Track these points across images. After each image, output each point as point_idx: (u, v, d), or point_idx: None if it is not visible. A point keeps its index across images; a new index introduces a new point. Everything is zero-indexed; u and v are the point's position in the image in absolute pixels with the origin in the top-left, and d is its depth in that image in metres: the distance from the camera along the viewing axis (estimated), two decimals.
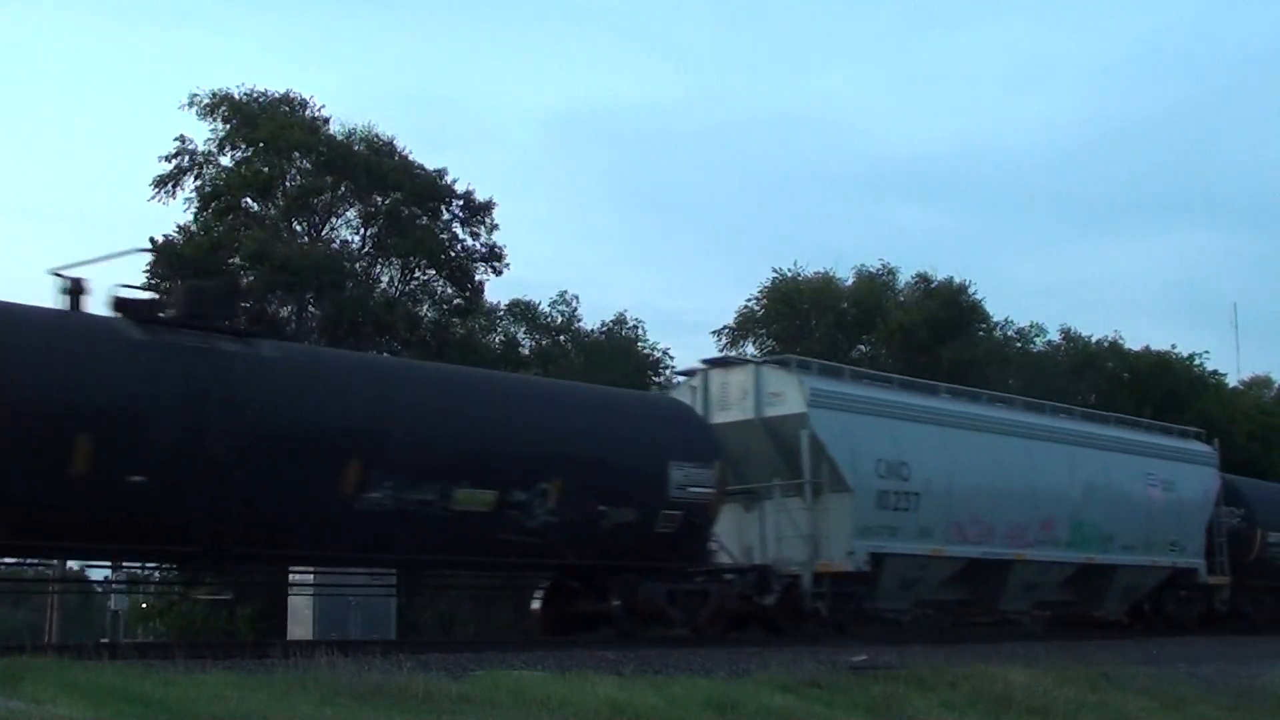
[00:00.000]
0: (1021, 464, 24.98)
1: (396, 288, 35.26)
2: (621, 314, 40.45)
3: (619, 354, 38.45)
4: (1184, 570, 28.92)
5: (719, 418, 21.70)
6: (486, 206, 35.59)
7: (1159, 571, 28.33)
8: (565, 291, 40.00)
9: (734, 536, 21.80)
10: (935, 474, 22.96)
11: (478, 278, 35.91)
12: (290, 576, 21.36)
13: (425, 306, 35.61)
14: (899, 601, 23.09)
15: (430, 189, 35.11)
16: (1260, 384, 50.61)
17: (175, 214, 34.64)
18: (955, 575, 23.79)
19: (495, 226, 35.78)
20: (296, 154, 34.01)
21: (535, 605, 20.20)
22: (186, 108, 33.68)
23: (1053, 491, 25.54)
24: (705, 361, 23.06)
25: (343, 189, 34.66)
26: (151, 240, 32.11)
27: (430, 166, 35.50)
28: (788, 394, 21.46)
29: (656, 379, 38.74)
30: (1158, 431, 30.27)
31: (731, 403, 21.90)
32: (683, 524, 19.17)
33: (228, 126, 33.90)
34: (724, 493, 20.44)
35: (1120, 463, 27.51)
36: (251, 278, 32.29)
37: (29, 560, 16.40)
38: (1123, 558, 27.01)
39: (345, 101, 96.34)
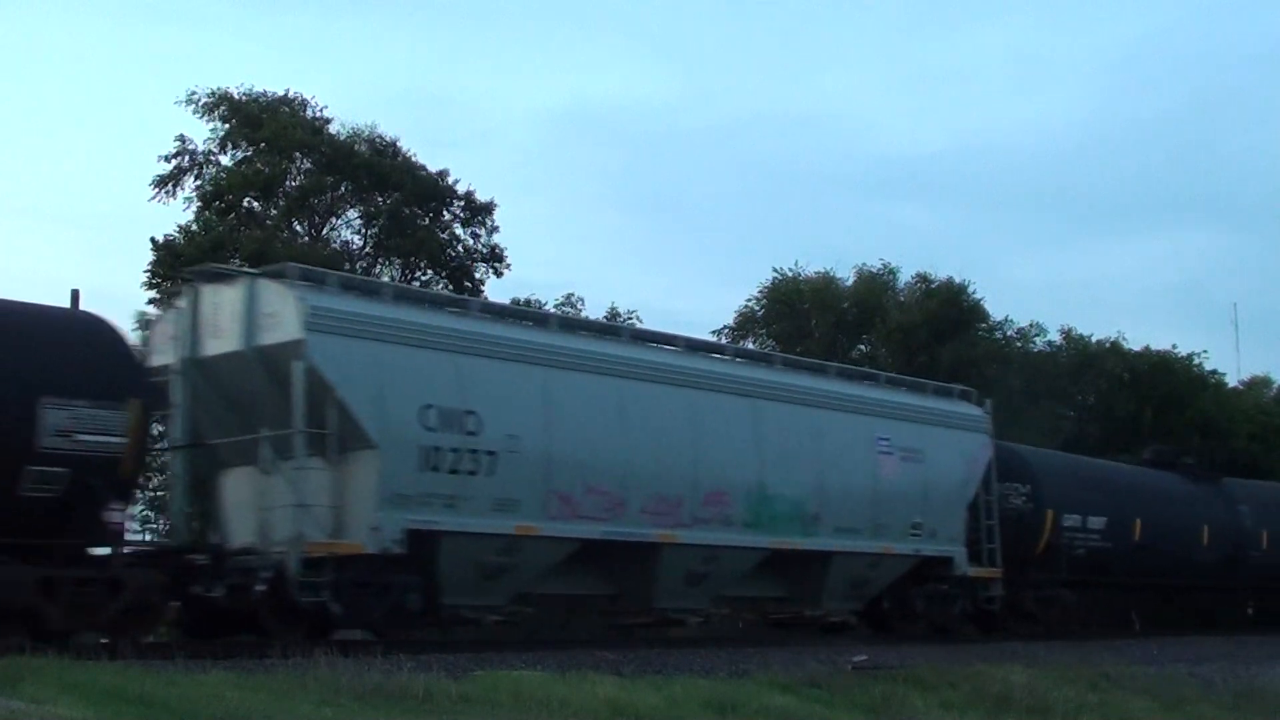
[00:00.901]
0: (674, 420, 19.46)
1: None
2: (614, 309, 40.40)
3: None
4: (935, 560, 23.25)
5: (211, 348, 16.81)
6: (487, 207, 35.59)
7: (896, 561, 22.64)
8: (571, 294, 39.95)
9: (247, 508, 16.86)
10: (525, 428, 17.63)
11: (478, 278, 35.90)
12: None
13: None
14: (484, 596, 18.10)
15: (431, 189, 35.09)
16: (1260, 384, 50.55)
17: (175, 214, 34.64)
18: (572, 561, 18.51)
19: (496, 228, 35.80)
20: (298, 154, 33.99)
21: None
22: (184, 105, 33.64)
23: (724, 456, 19.89)
24: (191, 273, 18.10)
25: (344, 189, 34.65)
26: (152, 240, 32.09)
27: (432, 167, 35.51)
28: (283, 315, 16.25)
29: None
30: (905, 388, 24.20)
31: (223, 328, 16.80)
32: (71, 487, 14.16)
33: (227, 126, 33.88)
34: (148, 445, 16.30)
35: (838, 424, 21.77)
36: None
37: None
38: (835, 543, 21.25)
39: (345, 101, 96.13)
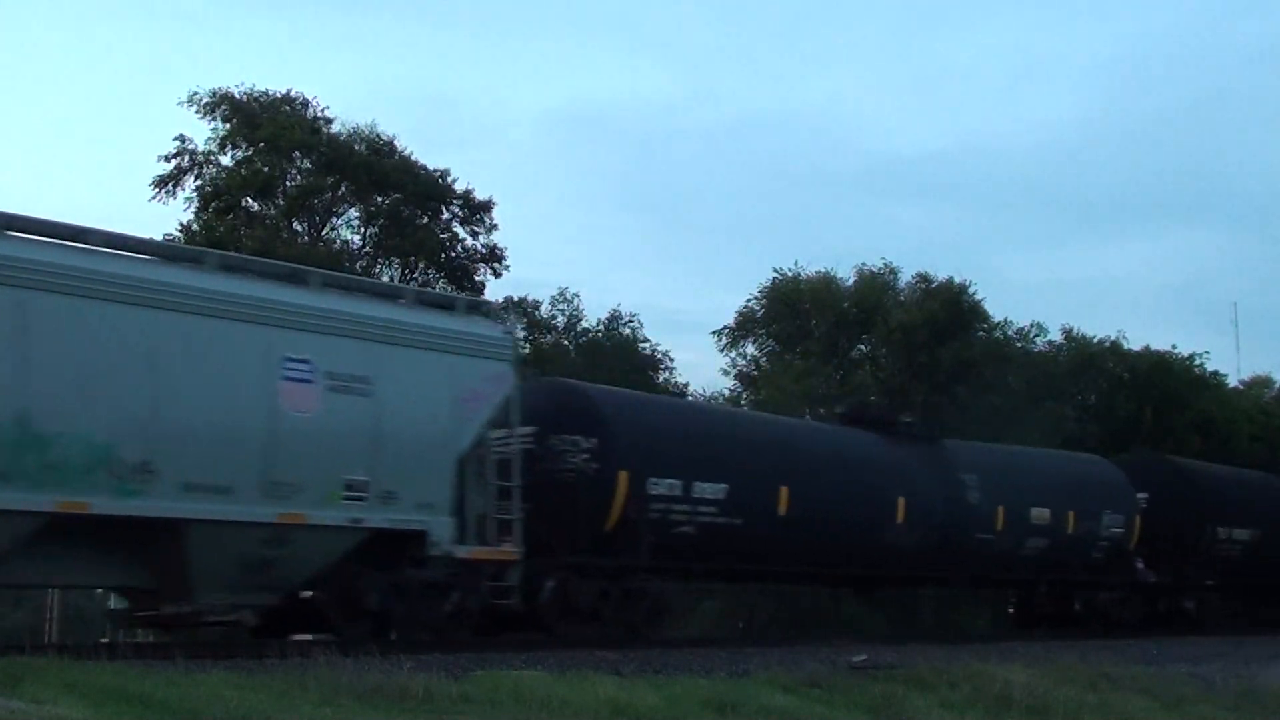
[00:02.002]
0: None
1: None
2: (616, 310, 40.42)
3: (619, 353, 38.42)
4: (404, 535, 16.60)
5: None
6: (486, 206, 35.59)
7: (321, 537, 15.92)
8: (565, 289, 39.93)
9: None
10: None
11: (477, 278, 35.91)
12: None
13: None
14: None
15: (431, 189, 35.10)
16: (1261, 384, 50.55)
17: (176, 214, 34.64)
18: None
19: (495, 226, 35.80)
20: (297, 154, 34.00)
21: None
22: (185, 105, 33.68)
23: None
24: None
25: (343, 189, 34.66)
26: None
27: (432, 166, 35.53)
28: None
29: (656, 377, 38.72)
30: (362, 293, 17.74)
31: None
32: None
33: (228, 126, 33.90)
34: None
35: (198, 335, 15.12)
36: None
37: None
38: (184, 507, 14.73)
39: (346, 101, 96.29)
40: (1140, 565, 29.00)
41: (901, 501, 23.80)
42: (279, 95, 34.65)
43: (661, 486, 19.88)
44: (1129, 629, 27.49)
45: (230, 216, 33.56)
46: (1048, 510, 26.65)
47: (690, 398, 38.03)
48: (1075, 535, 27.23)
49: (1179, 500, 29.46)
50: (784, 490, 21.72)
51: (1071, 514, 27.15)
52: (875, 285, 41.75)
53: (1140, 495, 28.97)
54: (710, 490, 20.60)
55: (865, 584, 26.15)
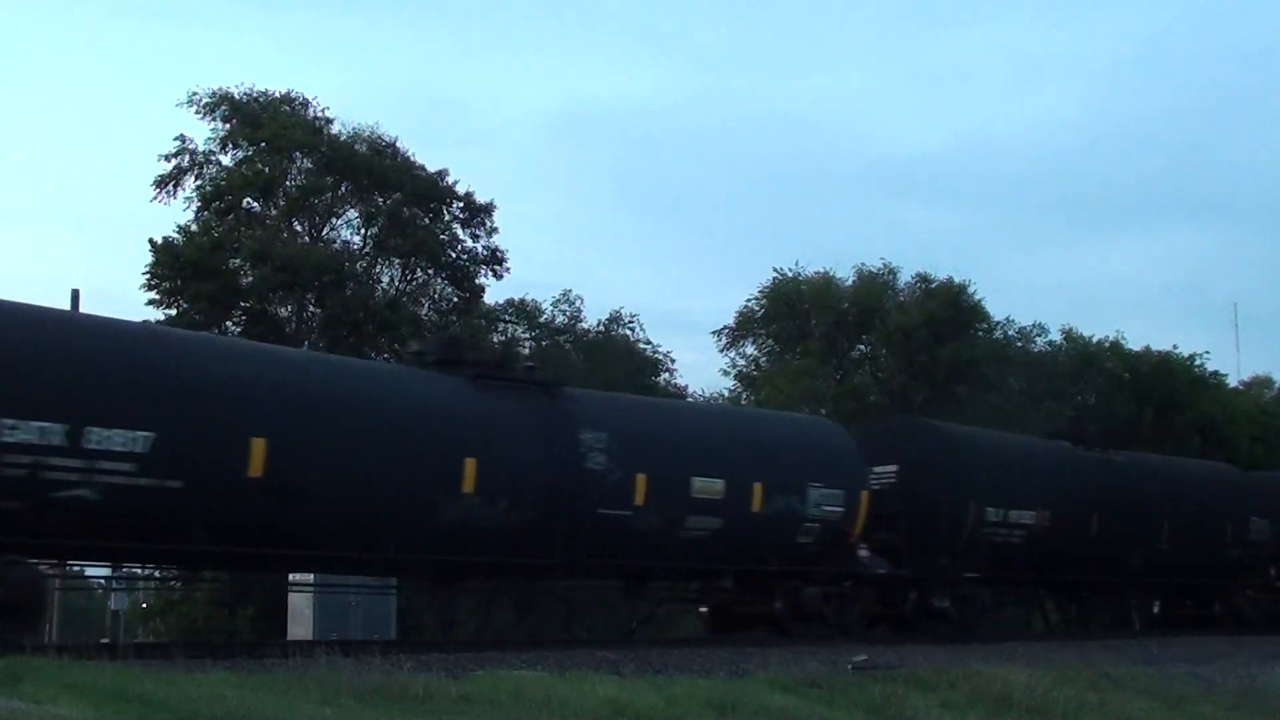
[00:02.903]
0: None
1: (397, 288, 35.28)
2: (618, 311, 40.48)
3: (621, 354, 38.45)
4: None
5: None
6: (487, 209, 35.59)
7: None
8: (569, 291, 39.97)
9: None
10: None
11: (478, 280, 35.92)
12: (290, 576, 21.30)
13: (425, 308, 35.62)
14: None
15: (431, 190, 35.10)
16: (1261, 384, 50.53)
17: (176, 214, 34.67)
18: None
19: (495, 229, 35.80)
20: (297, 154, 34.01)
21: None
22: (185, 106, 33.69)
23: None
24: None
25: (344, 189, 34.66)
26: (151, 241, 32.11)
27: (431, 167, 35.53)
28: None
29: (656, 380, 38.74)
30: None
31: None
32: None
33: (228, 126, 33.91)
34: None
35: None
36: (252, 278, 32.31)
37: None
38: None
39: (347, 101, 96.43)
40: (865, 553, 22.74)
41: (471, 464, 17.92)
42: (279, 96, 34.68)
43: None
44: (853, 631, 21.99)
45: (230, 217, 33.59)
46: (720, 482, 20.54)
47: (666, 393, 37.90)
48: (765, 515, 21.02)
49: (937, 474, 23.71)
50: (260, 446, 15.93)
51: (758, 487, 20.95)
52: (875, 285, 41.76)
53: (887, 468, 23.68)
54: (115, 440, 14.79)
55: (417, 571, 20.08)
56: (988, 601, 25.09)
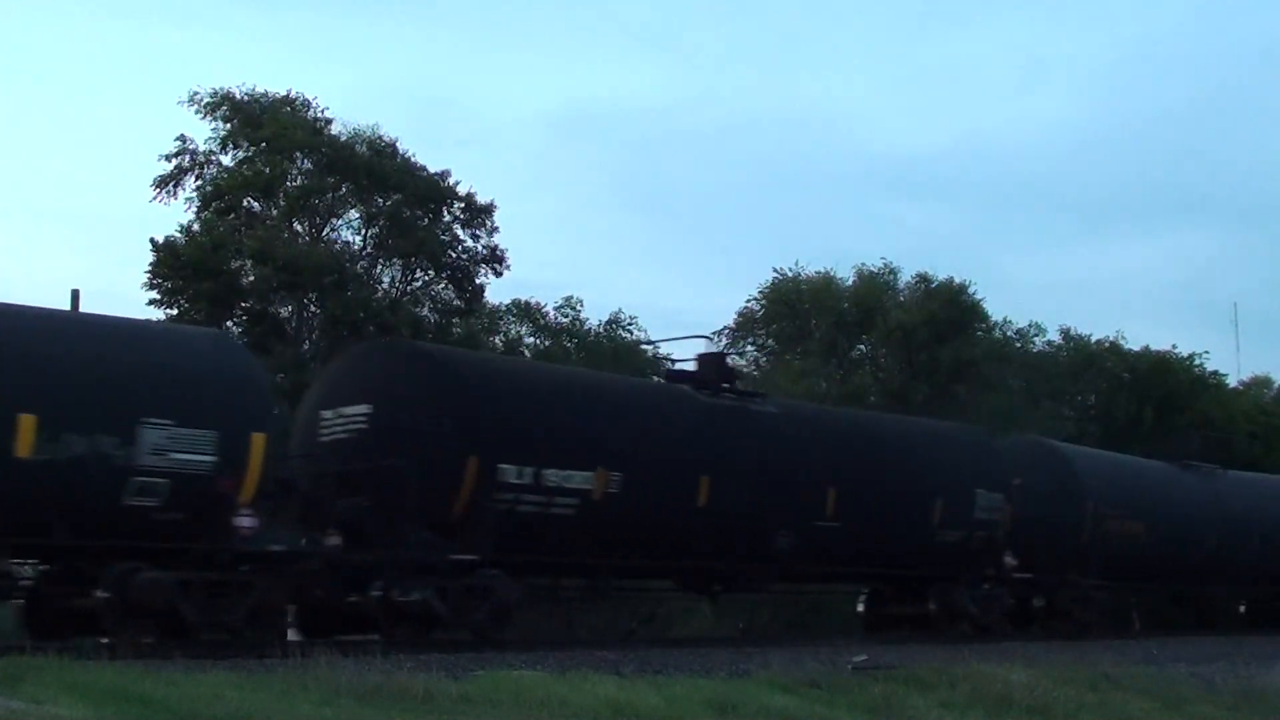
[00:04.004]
0: None
1: (398, 289, 35.30)
2: (617, 312, 40.50)
3: (622, 354, 38.45)
4: None
5: None
6: (487, 209, 35.60)
7: None
8: (571, 296, 40.03)
9: None
10: None
11: (478, 280, 35.93)
12: None
13: (425, 308, 35.64)
14: None
15: (432, 190, 35.11)
16: (1260, 384, 50.50)
17: (176, 214, 34.66)
18: None
19: (496, 229, 35.81)
20: (298, 154, 34.02)
21: None
22: (186, 106, 33.70)
23: None
24: None
25: (344, 190, 34.67)
26: (152, 241, 32.12)
27: (433, 168, 35.53)
28: None
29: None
30: None
31: None
32: None
33: (229, 126, 33.92)
34: None
35: None
36: (253, 278, 32.33)
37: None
38: None
39: (347, 101, 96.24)
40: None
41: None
42: (280, 96, 34.68)
43: None
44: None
45: (231, 217, 33.59)
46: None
47: None
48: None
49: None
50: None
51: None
52: (875, 285, 41.76)
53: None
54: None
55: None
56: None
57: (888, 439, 23.97)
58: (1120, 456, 30.62)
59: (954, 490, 23.73)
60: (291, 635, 16.80)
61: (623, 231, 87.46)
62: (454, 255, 35.57)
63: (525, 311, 39.73)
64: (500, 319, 39.11)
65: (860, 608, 24.92)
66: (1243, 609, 34.09)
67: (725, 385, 21.66)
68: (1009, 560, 24.54)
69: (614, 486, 18.54)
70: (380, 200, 34.87)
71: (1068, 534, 25.94)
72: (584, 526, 18.33)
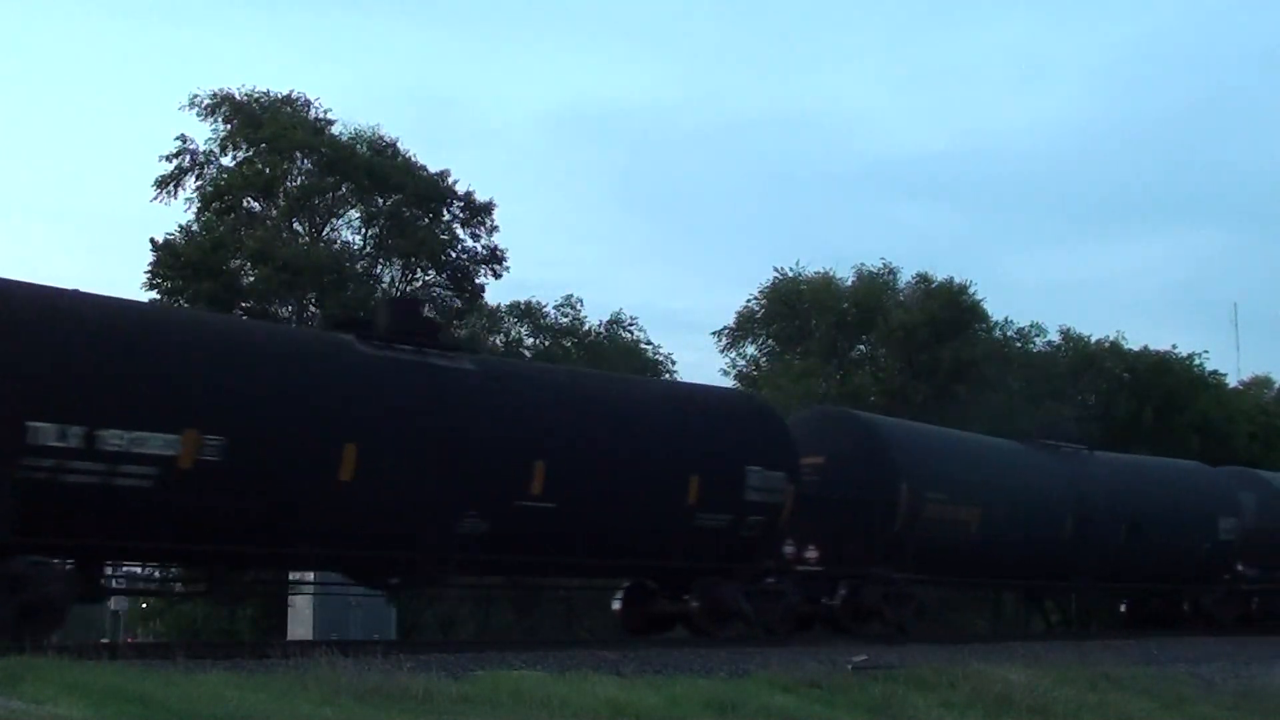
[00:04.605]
0: None
1: (397, 288, 35.31)
2: (618, 312, 40.55)
3: (622, 355, 38.48)
4: None
5: None
6: (486, 207, 35.62)
7: None
8: (570, 295, 40.07)
9: None
10: None
11: (478, 280, 35.95)
12: (290, 576, 21.32)
13: (425, 308, 35.64)
14: None
15: (432, 190, 35.13)
16: (1260, 384, 50.53)
17: (177, 214, 34.67)
18: None
19: (495, 228, 35.83)
20: (298, 154, 34.05)
21: None
22: (186, 107, 33.74)
23: None
24: None
25: (344, 189, 34.69)
26: (152, 240, 32.14)
27: (433, 168, 35.56)
28: None
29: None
30: None
31: None
32: None
33: (229, 127, 33.94)
34: None
35: None
36: (253, 278, 32.33)
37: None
38: None
39: (347, 101, 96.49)
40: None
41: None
42: (280, 96, 34.71)
43: None
44: None
45: (231, 217, 33.61)
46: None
47: None
48: None
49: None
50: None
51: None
52: (875, 285, 41.79)
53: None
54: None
55: None
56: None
57: (624, 403, 19.50)
58: (951, 432, 26.40)
59: (716, 466, 19.44)
60: None
61: (623, 231, 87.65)
62: (454, 255, 35.60)
63: (525, 312, 39.79)
64: (501, 320, 39.16)
65: (616, 605, 20.89)
66: (1123, 609, 31.00)
67: (415, 336, 17.43)
68: (789, 549, 20.89)
69: (211, 453, 14.60)
70: (380, 200, 34.89)
71: (877, 520, 21.93)
72: (167, 503, 14.48)
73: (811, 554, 21.41)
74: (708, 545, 19.58)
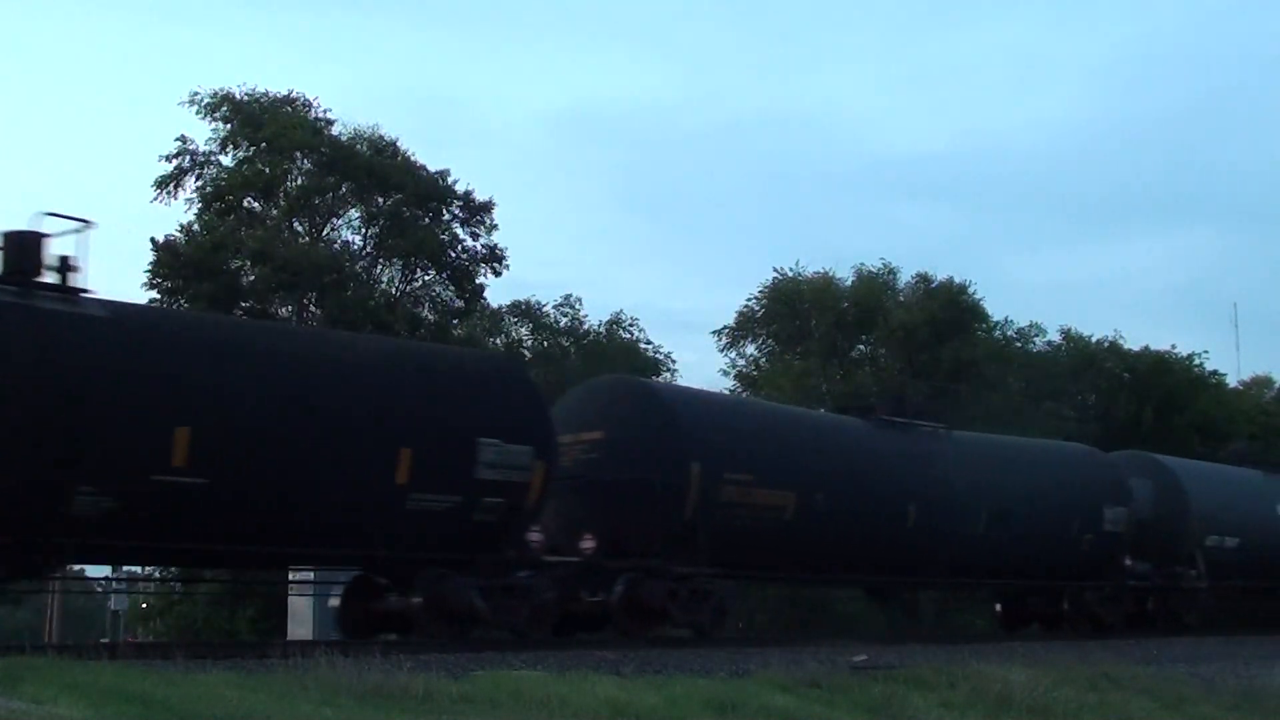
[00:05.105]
0: None
1: (397, 288, 35.33)
2: (618, 313, 40.56)
3: (621, 355, 38.49)
4: None
5: None
6: (486, 206, 35.63)
7: None
8: (570, 294, 40.10)
9: None
10: None
11: (478, 279, 35.95)
12: (290, 576, 21.32)
13: (425, 308, 35.67)
14: None
15: (432, 190, 35.14)
16: (1260, 384, 50.54)
17: (177, 214, 34.69)
18: None
19: (495, 226, 35.85)
20: (298, 154, 34.06)
21: None
22: (186, 107, 33.76)
23: None
24: None
25: (344, 189, 34.71)
26: (152, 240, 32.16)
27: (433, 167, 35.58)
28: None
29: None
30: None
31: None
32: None
33: (229, 127, 33.95)
34: None
35: None
36: (253, 278, 32.36)
37: None
38: None
39: (347, 101, 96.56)
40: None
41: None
42: (280, 96, 34.71)
43: None
44: None
45: (231, 217, 33.63)
46: None
47: None
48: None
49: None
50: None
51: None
52: (875, 285, 41.81)
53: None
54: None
55: None
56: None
57: (309, 362, 16.36)
58: (761, 404, 23.50)
59: (437, 437, 16.58)
60: None
61: (623, 231, 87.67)
62: (453, 255, 35.61)
63: (525, 312, 39.81)
64: (501, 320, 39.18)
65: (334, 602, 18.75)
66: (999, 608, 27.37)
67: (26, 275, 14.41)
68: (534, 536, 17.81)
69: None
70: (380, 200, 34.91)
71: (662, 505, 18.90)
72: None
73: (588, 544, 18.47)
74: (428, 532, 16.56)
